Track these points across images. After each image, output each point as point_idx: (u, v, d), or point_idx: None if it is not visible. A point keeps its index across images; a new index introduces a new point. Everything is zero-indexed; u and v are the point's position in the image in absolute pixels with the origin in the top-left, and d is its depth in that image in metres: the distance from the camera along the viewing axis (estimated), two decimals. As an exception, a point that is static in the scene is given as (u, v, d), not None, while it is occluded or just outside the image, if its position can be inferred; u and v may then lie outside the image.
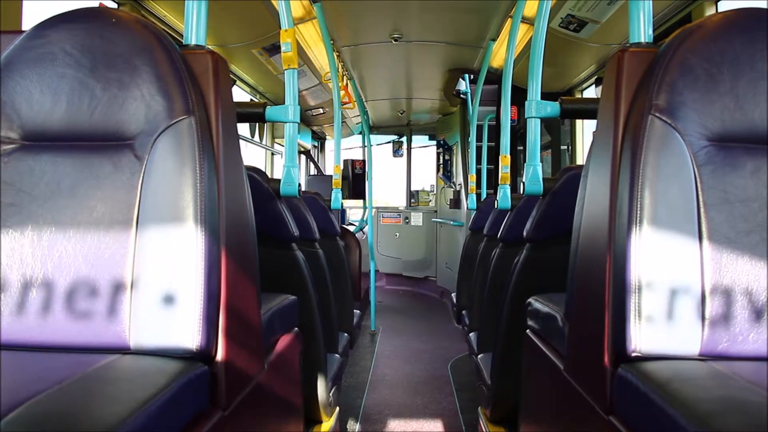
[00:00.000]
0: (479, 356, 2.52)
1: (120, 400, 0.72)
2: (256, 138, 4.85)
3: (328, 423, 2.07)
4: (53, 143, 1.01)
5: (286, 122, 1.70)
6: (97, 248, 0.96)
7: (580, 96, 4.13)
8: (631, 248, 0.92)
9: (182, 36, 1.15)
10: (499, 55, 4.03)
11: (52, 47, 1.02)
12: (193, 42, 1.12)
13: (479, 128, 4.42)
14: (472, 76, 4.83)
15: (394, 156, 7.39)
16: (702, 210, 0.93)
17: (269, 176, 1.81)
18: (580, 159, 4.06)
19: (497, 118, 4.57)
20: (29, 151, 1.01)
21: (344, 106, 4.64)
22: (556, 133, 4.40)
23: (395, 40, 3.69)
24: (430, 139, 7.27)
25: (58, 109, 1.01)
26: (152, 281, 0.94)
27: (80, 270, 0.95)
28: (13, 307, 0.94)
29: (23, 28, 1.62)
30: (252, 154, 5.02)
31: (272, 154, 5.22)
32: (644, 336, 0.90)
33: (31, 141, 1.02)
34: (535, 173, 1.81)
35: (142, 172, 0.98)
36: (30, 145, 1.02)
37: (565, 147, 4.28)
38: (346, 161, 6.32)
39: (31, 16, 1.62)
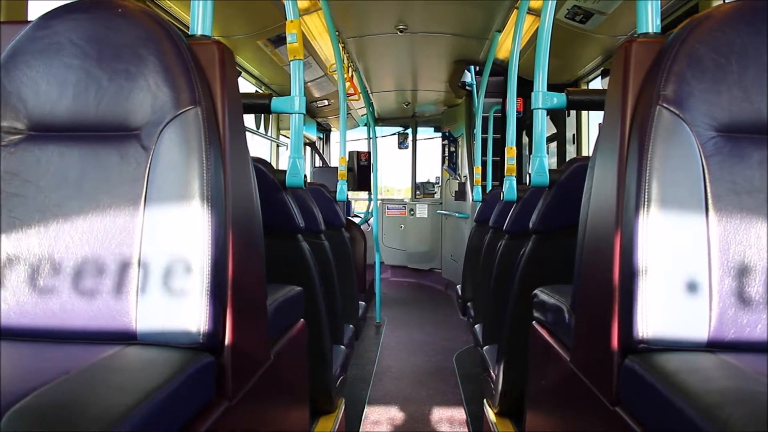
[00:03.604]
0: (484, 348, 2.53)
1: (126, 390, 0.72)
2: (262, 129, 4.85)
3: (333, 414, 2.08)
4: (60, 134, 1.01)
5: (291, 113, 1.70)
6: (104, 238, 0.96)
7: (586, 87, 4.10)
8: (639, 239, 0.91)
9: (188, 27, 1.14)
10: (504, 46, 4.00)
11: (59, 38, 1.02)
12: (200, 32, 1.12)
13: (485, 120, 4.40)
14: (477, 68, 4.80)
15: (400, 148, 7.38)
16: (710, 201, 0.93)
17: (275, 168, 1.81)
18: (586, 150, 4.04)
19: (503, 109, 4.55)
20: (36, 142, 1.01)
21: (349, 97, 4.63)
22: (562, 124, 4.38)
23: (400, 32, 3.67)
24: (436, 130, 7.25)
25: (65, 100, 1.01)
26: (159, 271, 0.94)
27: (87, 260, 0.96)
28: (22, 296, 0.95)
29: (29, 19, 1.62)
30: (257, 146, 5.03)
31: (277, 145, 5.22)
32: (651, 324, 0.90)
33: (37, 131, 1.02)
34: (541, 165, 1.80)
35: (148, 163, 0.98)
36: (36, 136, 1.02)
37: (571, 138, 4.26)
38: (351, 153, 6.31)
39: (36, 7, 1.62)
